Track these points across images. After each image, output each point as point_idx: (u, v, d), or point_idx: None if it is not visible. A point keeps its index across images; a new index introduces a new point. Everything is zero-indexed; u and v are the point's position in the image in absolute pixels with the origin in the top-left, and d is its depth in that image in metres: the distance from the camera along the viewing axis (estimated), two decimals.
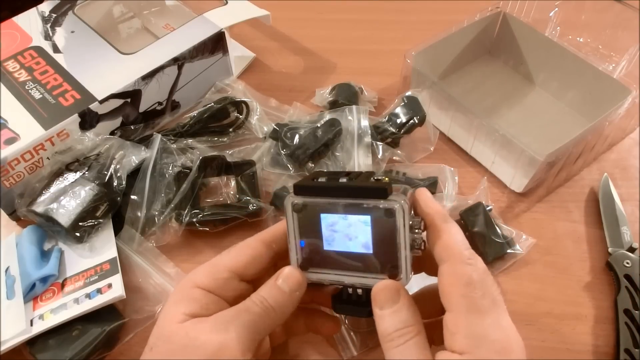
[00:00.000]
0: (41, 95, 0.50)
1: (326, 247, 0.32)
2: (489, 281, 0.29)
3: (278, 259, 0.35)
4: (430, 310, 0.33)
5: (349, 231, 0.31)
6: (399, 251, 0.30)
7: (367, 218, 0.30)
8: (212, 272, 0.32)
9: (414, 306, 0.30)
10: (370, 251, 0.31)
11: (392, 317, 0.30)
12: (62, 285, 0.43)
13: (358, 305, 0.33)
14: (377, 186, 0.30)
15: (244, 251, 0.33)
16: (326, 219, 0.31)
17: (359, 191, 0.31)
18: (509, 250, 0.46)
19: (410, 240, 0.31)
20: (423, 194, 0.32)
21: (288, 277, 0.32)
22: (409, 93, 0.54)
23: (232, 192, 0.52)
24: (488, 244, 0.46)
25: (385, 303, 0.30)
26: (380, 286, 0.30)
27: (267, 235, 0.34)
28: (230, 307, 0.32)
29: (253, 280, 0.34)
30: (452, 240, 0.30)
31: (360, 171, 0.34)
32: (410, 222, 0.30)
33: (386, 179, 0.32)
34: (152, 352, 0.30)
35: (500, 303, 0.29)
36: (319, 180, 0.32)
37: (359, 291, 0.33)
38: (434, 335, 0.32)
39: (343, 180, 0.32)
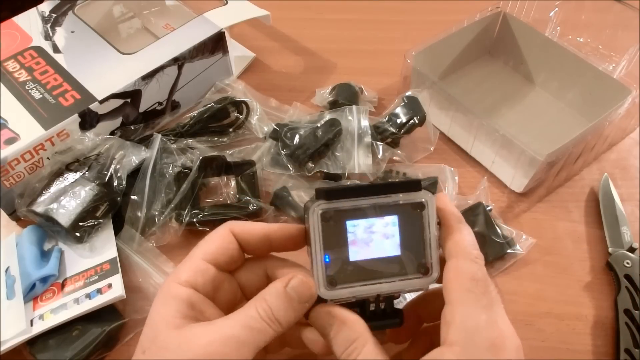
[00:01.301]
0: (41, 95, 0.50)
1: (352, 258, 0.30)
2: (490, 282, 0.30)
3: (249, 249, 0.35)
4: (432, 313, 0.33)
5: (375, 235, 0.30)
6: (428, 246, 0.30)
7: (395, 218, 0.30)
8: (190, 266, 0.32)
9: (350, 317, 0.30)
10: (399, 253, 0.30)
11: (336, 340, 0.30)
12: (62, 285, 0.43)
13: (387, 317, 0.32)
14: (410, 180, 0.31)
15: (213, 239, 0.33)
16: (352, 226, 0.30)
17: (394, 187, 0.30)
18: (509, 250, 0.46)
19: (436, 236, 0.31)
20: (444, 196, 0.33)
21: (299, 286, 0.30)
22: (409, 93, 0.54)
23: (232, 192, 0.52)
24: (488, 244, 0.46)
25: (327, 328, 0.30)
26: (315, 315, 0.31)
27: (235, 226, 0.33)
28: (214, 301, 0.32)
29: (230, 271, 0.34)
30: (464, 238, 0.31)
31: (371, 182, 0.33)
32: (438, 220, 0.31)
33: (397, 180, 0.31)
34: (144, 355, 0.30)
35: (499, 304, 0.30)
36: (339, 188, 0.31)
37: (382, 305, 0.32)
38: (434, 338, 0.32)
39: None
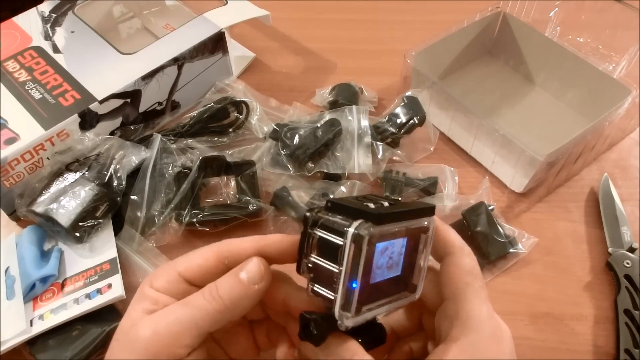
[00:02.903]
0: (41, 95, 0.50)
1: (372, 280, 0.29)
2: (482, 278, 0.31)
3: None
4: (408, 326, 0.34)
5: (388, 257, 0.30)
6: (422, 266, 0.31)
7: (404, 240, 0.30)
8: (166, 273, 0.31)
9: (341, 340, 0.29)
10: (399, 272, 0.30)
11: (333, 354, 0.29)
12: (62, 286, 0.43)
13: (375, 333, 0.31)
14: (429, 206, 0.31)
15: (194, 260, 0.31)
16: (379, 249, 0.28)
17: (419, 212, 0.30)
18: (511, 250, 0.46)
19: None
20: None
21: (250, 266, 0.29)
22: (409, 93, 0.54)
23: (232, 192, 0.52)
24: (490, 243, 0.46)
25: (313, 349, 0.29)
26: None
27: (223, 249, 0.32)
28: None
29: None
30: (455, 237, 0.31)
31: (376, 195, 0.31)
32: None
33: (399, 198, 0.31)
34: (107, 352, 0.30)
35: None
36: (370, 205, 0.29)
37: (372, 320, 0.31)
38: (413, 346, 0.33)
39: (385, 204, 0.30)
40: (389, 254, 0.29)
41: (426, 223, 0.30)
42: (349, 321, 0.28)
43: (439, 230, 0.32)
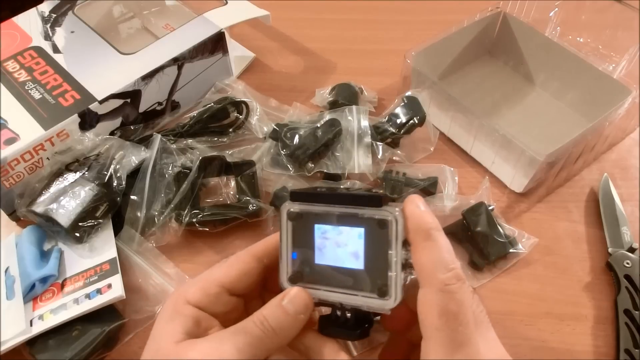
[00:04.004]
0: (41, 96, 0.50)
1: (318, 261, 0.31)
2: (467, 310, 0.27)
3: (268, 273, 0.34)
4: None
5: (342, 244, 0.30)
6: (389, 268, 0.29)
7: (361, 230, 0.29)
8: (203, 287, 0.31)
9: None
10: (362, 267, 0.30)
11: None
12: (62, 286, 0.43)
13: (347, 328, 0.31)
14: (371, 194, 0.29)
15: (235, 265, 0.32)
16: (320, 230, 0.30)
17: (354, 199, 0.30)
18: (511, 250, 0.46)
19: (404, 258, 0.29)
20: (409, 203, 0.29)
21: (295, 297, 0.30)
22: (409, 93, 0.54)
23: (232, 192, 0.52)
24: (491, 243, 0.46)
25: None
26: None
27: (258, 249, 0.33)
28: (221, 322, 0.31)
29: (243, 295, 0.33)
30: (429, 261, 0.27)
31: (360, 188, 0.32)
32: (406, 238, 0.29)
33: (384, 192, 0.31)
34: None
35: (485, 328, 0.28)
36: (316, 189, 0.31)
37: (348, 314, 0.31)
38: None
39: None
40: (335, 240, 0.30)
41: (388, 218, 0.28)
42: (288, 288, 0.31)
43: (416, 246, 0.28)
